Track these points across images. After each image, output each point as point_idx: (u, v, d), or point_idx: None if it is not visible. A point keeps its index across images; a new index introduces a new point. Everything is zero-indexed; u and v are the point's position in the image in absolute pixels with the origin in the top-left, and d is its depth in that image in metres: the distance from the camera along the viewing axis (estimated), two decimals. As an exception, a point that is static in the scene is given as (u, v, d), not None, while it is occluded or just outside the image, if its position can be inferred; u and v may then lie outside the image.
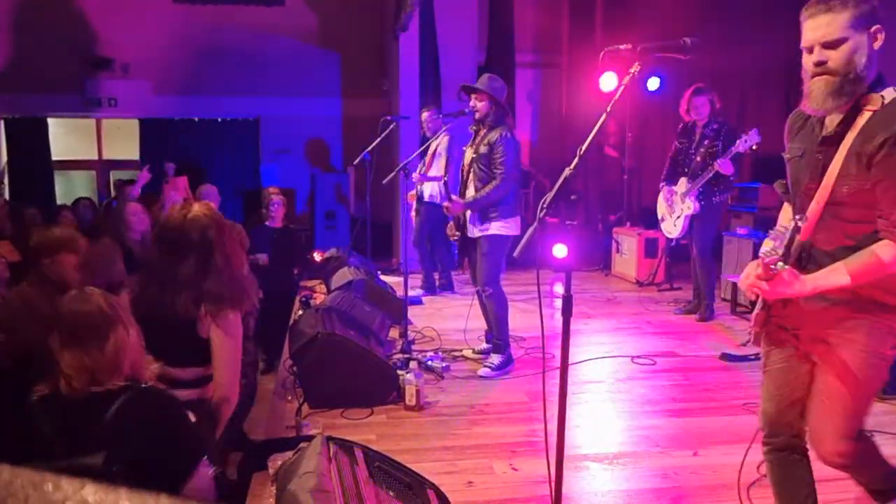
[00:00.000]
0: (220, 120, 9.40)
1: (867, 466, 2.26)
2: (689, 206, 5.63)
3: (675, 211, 5.82)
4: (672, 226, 5.87)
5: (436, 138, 5.97)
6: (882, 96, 1.94)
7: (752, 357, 4.77)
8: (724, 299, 6.50)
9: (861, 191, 1.92)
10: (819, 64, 1.93)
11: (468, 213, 4.48)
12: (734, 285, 6.21)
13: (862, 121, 1.95)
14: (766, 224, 7.06)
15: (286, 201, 6.14)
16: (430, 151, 6.56)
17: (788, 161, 2.20)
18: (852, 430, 2.11)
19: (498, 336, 4.55)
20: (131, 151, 9.50)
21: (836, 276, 1.93)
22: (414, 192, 6.61)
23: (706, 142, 5.58)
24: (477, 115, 4.45)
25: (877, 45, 1.94)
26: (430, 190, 6.61)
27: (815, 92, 1.96)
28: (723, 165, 5.42)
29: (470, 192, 4.46)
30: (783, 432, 2.29)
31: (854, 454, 2.14)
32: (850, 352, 2.03)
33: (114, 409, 1.87)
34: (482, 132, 4.46)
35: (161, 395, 2.09)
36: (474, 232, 4.47)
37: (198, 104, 9.24)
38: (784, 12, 8.28)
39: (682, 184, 5.72)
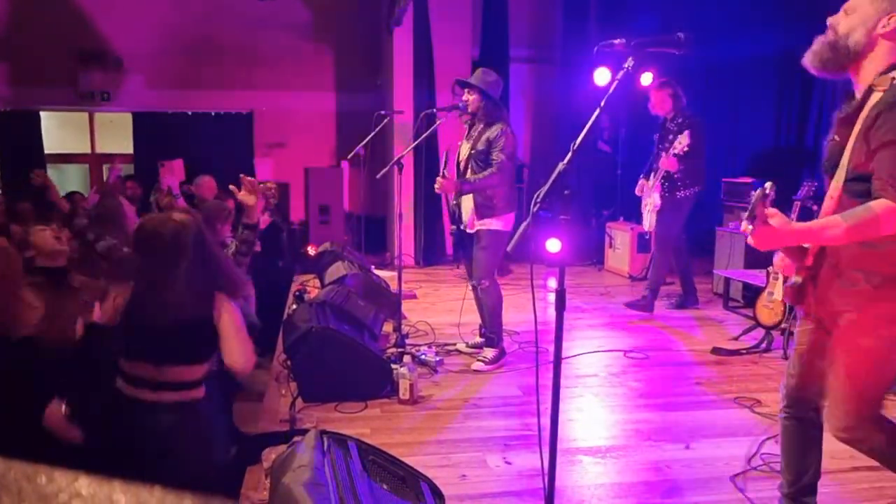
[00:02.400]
0: (213, 114, 9.36)
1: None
2: (654, 201, 5.69)
3: (647, 205, 5.88)
4: (646, 219, 5.94)
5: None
6: (893, 77, 1.97)
7: (744, 351, 4.81)
8: (716, 293, 6.53)
9: (867, 167, 1.97)
10: (831, 25, 2.02)
11: (466, 206, 4.45)
12: (727, 280, 6.24)
13: (872, 101, 1.98)
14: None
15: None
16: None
17: (826, 145, 2.26)
18: (863, 410, 2.15)
19: (491, 330, 4.56)
20: (125, 145, 9.47)
21: (831, 225, 1.97)
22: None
23: (670, 136, 5.61)
24: (469, 109, 4.45)
25: (881, 29, 1.97)
26: None
27: (812, 47, 2.08)
28: (667, 163, 5.47)
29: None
30: (802, 406, 2.35)
31: (862, 433, 2.17)
32: (866, 333, 2.06)
33: None
34: (478, 127, 4.45)
35: None
36: (474, 225, 4.45)
37: (191, 98, 9.20)
38: (778, 5, 8.32)
39: (651, 177, 5.80)
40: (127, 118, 9.32)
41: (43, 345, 2.61)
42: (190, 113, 9.29)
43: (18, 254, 2.77)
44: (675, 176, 5.59)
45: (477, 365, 4.47)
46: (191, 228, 2.41)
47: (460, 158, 4.58)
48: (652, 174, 5.79)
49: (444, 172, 4.49)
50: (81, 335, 2.55)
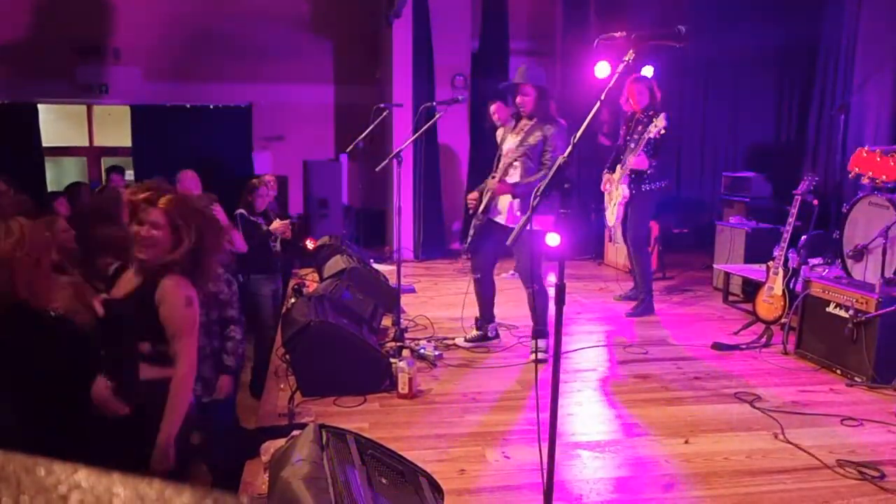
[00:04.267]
0: (211, 107, 9.33)
1: None
2: (621, 193, 5.66)
3: (613, 198, 5.85)
4: (610, 213, 5.89)
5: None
6: None
7: (744, 346, 4.81)
8: (716, 288, 6.52)
9: None
10: None
11: (504, 201, 4.38)
12: (726, 274, 6.24)
13: None
14: (757, 213, 7.08)
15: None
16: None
17: None
18: None
19: (543, 324, 4.39)
20: (123, 138, 9.44)
21: None
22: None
23: (640, 127, 5.55)
24: (526, 110, 4.35)
25: None
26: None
27: None
28: (637, 161, 5.44)
29: (512, 179, 4.37)
30: None
31: None
32: None
33: None
34: (529, 122, 4.35)
35: None
36: (515, 221, 4.33)
37: (189, 91, 9.17)
38: (781, 3, 8.29)
39: (618, 171, 5.73)
40: (125, 111, 9.28)
41: (78, 321, 2.63)
42: (188, 106, 9.26)
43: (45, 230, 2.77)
44: (649, 173, 5.54)
45: (541, 356, 4.25)
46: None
47: (503, 150, 4.45)
48: (618, 166, 5.71)
49: (494, 174, 4.42)
50: (102, 314, 2.56)
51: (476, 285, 4.66)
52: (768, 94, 8.94)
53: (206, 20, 8.93)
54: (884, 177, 3.31)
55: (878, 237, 4.92)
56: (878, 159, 3.31)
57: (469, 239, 4.60)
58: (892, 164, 3.26)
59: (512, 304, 6.00)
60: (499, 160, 4.50)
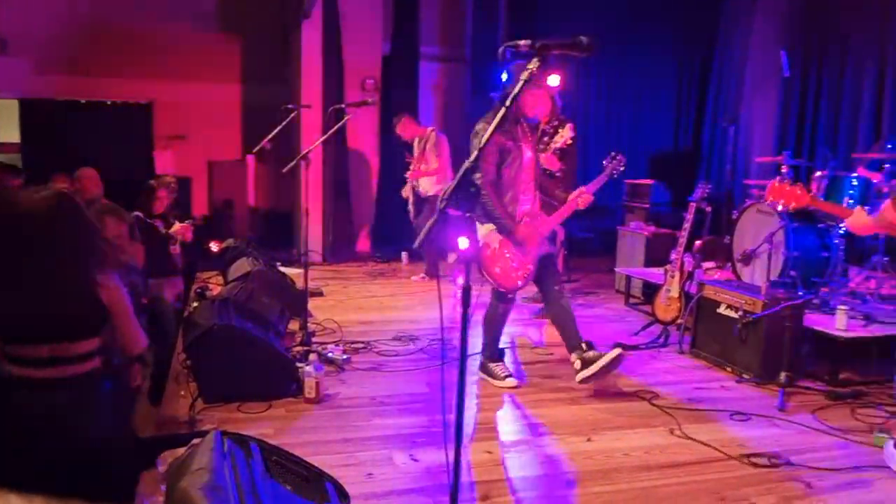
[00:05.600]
0: (109, 103, 8.91)
1: None
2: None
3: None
4: None
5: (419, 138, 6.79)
6: None
7: (644, 346, 5.00)
8: (618, 291, 6.75)
9: None
10: None
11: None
12: (628, 278, 6.47)
13: None
14: (657, 219, 7.39)
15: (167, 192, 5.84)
16: (419, 151, 7.04)
17: None
18: None
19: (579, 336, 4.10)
20: (10, 134, 8.88)
21: None
22: (408, 188, 7.17)
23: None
24: (543, 121, 4.50)
25: None
26: (426, 186, 6.98)
27: None
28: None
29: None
30: None
31: None
32: None
33: None
34: (546, 128, 4.49)
35: None
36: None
37: (85, 85, 8.71)
38: (679, 13, 8.69)
39: None
40: (13, 105, 8.74)
41: None
42: (83, 101, 8.80)
43: None
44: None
45: (582, 375, 3.94)
46: (62, 208, 2.34)
47: (523, 167, 4.03)
48: None
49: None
50: None
51: (554, 307, 4.21)
52: (667, 106, 9.35)
53: (103, 12, 8.52)
54: (793, 204, 3.65)
55: (765, 243, 5.23)
56: (787, 189, 3.61)
57: (531, 275, 4.11)
58: (798, 192, 3.56)
59: (422, 307, 6.03)
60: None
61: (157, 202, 5.35)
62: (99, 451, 2.34)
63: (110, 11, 8.54)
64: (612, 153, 4.37)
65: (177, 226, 5.36)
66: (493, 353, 4.27)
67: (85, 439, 2.32)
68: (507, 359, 4.72)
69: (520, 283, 4.05)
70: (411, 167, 7.11)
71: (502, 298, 4.15)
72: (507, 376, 4.17)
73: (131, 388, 3.03)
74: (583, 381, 3.93)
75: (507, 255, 3.99)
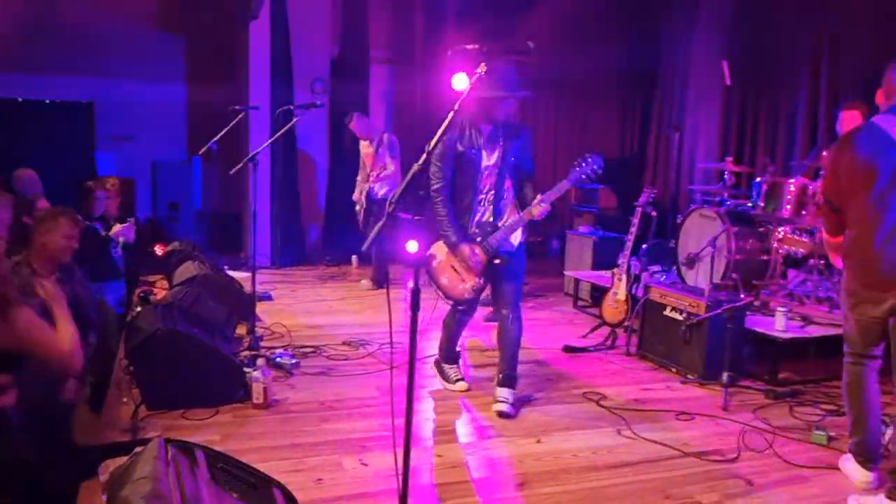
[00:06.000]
0: (48, 101, 8.63)
1: None
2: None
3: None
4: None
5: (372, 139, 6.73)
6: None
7: (592, 348, 5.07)
8: (567, 294, 6.83)
9: None
10: None
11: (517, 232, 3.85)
12: (576, 281, 6.55)
13: None
14: (604, 223, 7.52)
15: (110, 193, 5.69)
16: (369, 153, 6.91)
17: None
18: None
19: (515, 367, 3.95)
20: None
21: None
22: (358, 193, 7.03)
23: None
24: (503, 120, 3.78)
25: None
26: (381, 189, 6.86)
27: None
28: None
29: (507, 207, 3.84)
30: None
31: None
32: None
33: None
34: (497, 131, 3.78)
35: None
36: (513, 244, 3.85)
37: (21, 83, 8.40)
38: (625, 23, 8.85)
39: None
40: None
41: None
42: (20, 99, 8.50)
43: None
44: None
45: (502, 407, 3.79)
46: None
47: (482, 173, 3.79)
48: None
49: (485, 192, 3.80)
50: None
51: (502, 322, 3.94)
52: (613, 112, 9.51)
53: (41, 7, 8.26)
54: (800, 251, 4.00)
55: (708, 246, 5.37)
56: (797, 239, 3.78)
57: (481, 287, 3.87)
58: (804, 241, 3.73)
59: (371, 311, 6.00)
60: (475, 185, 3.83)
61: (96, 204, 5.21)
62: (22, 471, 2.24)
63: (49, 7, 8.28)
64: (586, 155, 3.80)
65: (117, 227, 5.22)
66: (447, 354, 4.26)
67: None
68: (459, 361, 4.73)
69: (467, 295, 3.87)
70: (370, 172, 6.94)
71: (456, 306, 4.04)
72: (458, 380, 4.18)
73: (65, 403, 2.94)
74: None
75: (454, 267, 3.84)
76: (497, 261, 3.78)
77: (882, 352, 3.01)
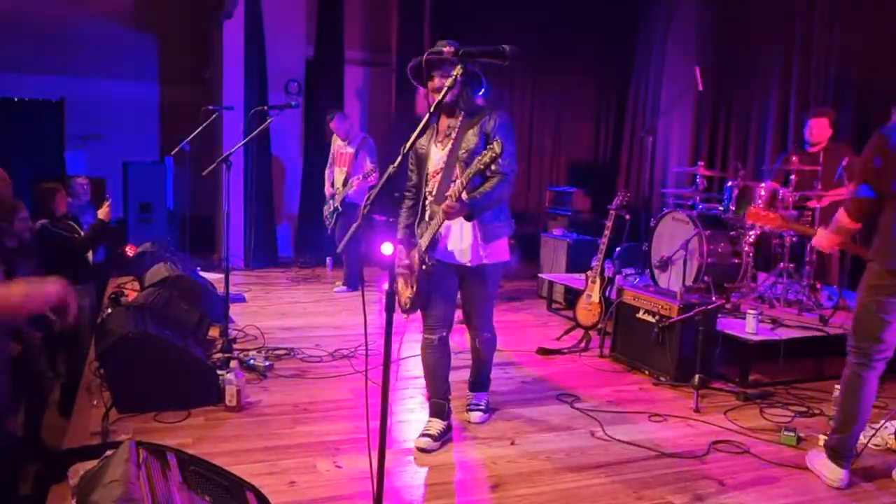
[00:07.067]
0: (16, 99, 8.49)
1: None
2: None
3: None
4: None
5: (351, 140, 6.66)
6: None
7: (566, 351, 5.10)
8: (541, 296, 6.87)
9: None
10: None
11: (464, 231, 3.36)
12: (550, 283, 6.59)
13: None
14: (578, 226, 7.57)
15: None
16: (345, 153, 6.78)
17: None
18: None
19: (488, 376, 3.83)
20: None
21: None
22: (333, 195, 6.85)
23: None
24: (448, 100, 3.23)
25: None
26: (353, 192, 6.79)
27: None
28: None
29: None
30: None
31: None
32: None
33: None
34: (454, 120, 3.33)
35: None
36: (480, 257, 3.38)
37: (-11, 80, 8.29)
38: (600, 27, 8.93)
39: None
40: None
41: None
42: (-12, 97, 8.37)
43: None
44: None
45: (475, 416, 3.73)
46: None
47: (430, 170, 3.38)
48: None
49: (430, 190, 3.37)
50: None
51: (429, 351, 3.50)
52: (588, 116, 9.58)
53: (11, 4, 8.12)
54: (768, 226, 4.08)
55: (680, 249, 5.43)
56: (762, 213, 3.88)
57: (420, 297, 3.39)
58: (771, 216, 3.83)
59: (346, 313, 5.98)
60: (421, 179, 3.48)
61: (59, 203, 5.13)
62: None
63: (19, 3, 8.15)
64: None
65: (105, 208, 5.17)
66: (430, 392, 3.74)
67: None
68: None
69: (407, 305, 3.41)
70: (349, 174, 6.83)
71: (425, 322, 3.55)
72: (421, 434, 3.57)
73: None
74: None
75: (403, 272, 3.42)
76: (424, 266, 3.28)
77: (890, 355, 3.04)
